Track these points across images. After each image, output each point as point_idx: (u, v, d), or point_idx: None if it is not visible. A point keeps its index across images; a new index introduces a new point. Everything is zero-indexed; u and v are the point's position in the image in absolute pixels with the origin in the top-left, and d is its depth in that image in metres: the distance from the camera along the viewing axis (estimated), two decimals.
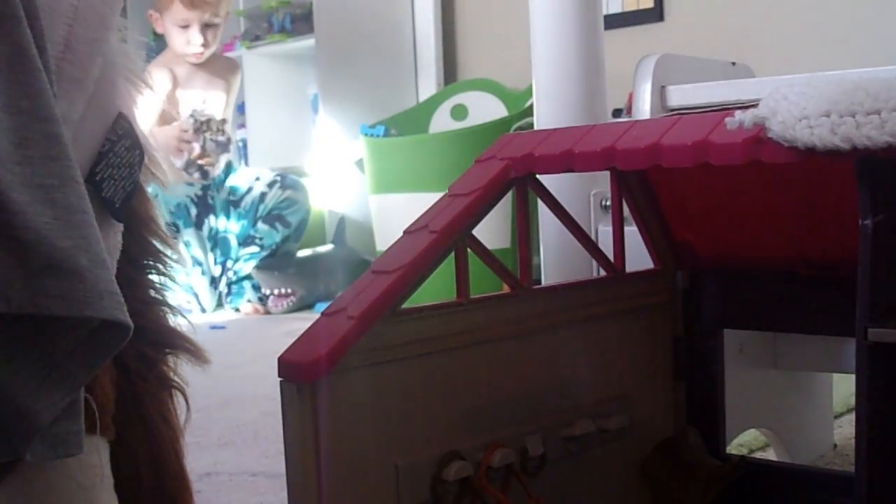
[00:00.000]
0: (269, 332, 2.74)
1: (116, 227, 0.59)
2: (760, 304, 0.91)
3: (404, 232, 0.74)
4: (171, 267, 0.70)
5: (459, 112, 3.31)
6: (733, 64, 1.34)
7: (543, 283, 1.05)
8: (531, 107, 1.25)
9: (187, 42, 3.13)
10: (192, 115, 3.10)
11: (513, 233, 2.64)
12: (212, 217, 3.20)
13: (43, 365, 0.48)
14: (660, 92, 1.16)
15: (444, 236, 0.71)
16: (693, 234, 0.91)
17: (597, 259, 0.87)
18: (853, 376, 0.64)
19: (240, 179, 3.26)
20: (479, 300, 0.74)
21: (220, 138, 3.14)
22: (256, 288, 3.13)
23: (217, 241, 3.20)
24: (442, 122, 3.32)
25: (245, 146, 3.75)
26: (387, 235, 2.99)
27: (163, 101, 3.06)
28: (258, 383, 1.99)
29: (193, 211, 3.15)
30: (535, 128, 1.13)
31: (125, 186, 0.58)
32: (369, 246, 3.18)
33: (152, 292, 0.69)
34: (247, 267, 3.16)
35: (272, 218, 3.20)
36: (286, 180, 3.25)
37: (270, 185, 3.22)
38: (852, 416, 1.04)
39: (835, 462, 1.26)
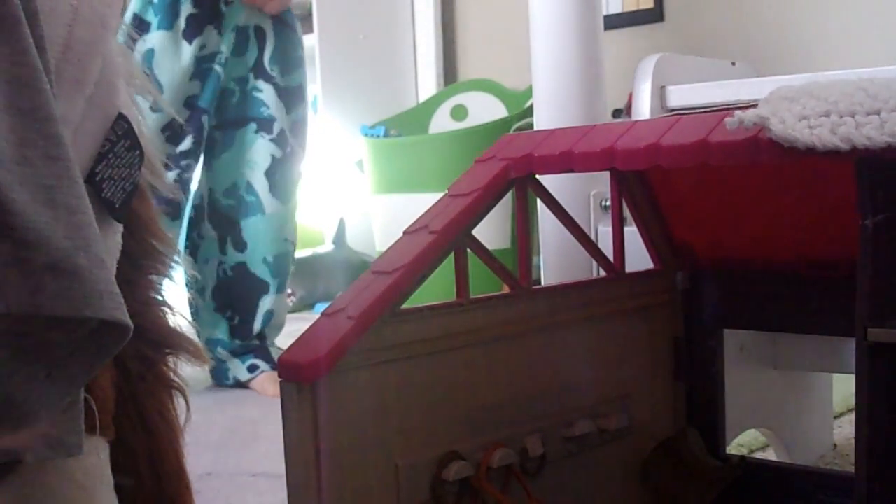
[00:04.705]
0: None
1: (116, 228, 0.59)
2: (760, 304, 0.91)
3: (404, 232, 0.74)
4: (171, 267, 0.70)
5: (459, 112, 3.31)
6: (733, 64, 1.34)
7: (543, 283, 1.05)
8: (531, 107, 1.25)
9: None
10: None
11: (513, 233, 2.64)
12: None
13: (43, 365, 0.48)
14: (660, 92, 1.16)
15: (444, 236, 0.71)
16: (693, 234, 0.91)
17: (597, 259, 0.87)
18: (853, 376, 0.64)
19: None
20: (479, 300, 0.74)
21: None
22: None
23: None
24: (442, 122, 3.31)
25: None
26: (387, 235, 2.98)
27: None
28: None
29: None
30: (535, 128, 1.14)
31: (125, 187, 0.58)
32: (369, 246, 3.18)
33: (152, 293, 0.69)
34: None
35: None
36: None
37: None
38: (852, 416, 1.04)
39: (835, 462, 1.26)
